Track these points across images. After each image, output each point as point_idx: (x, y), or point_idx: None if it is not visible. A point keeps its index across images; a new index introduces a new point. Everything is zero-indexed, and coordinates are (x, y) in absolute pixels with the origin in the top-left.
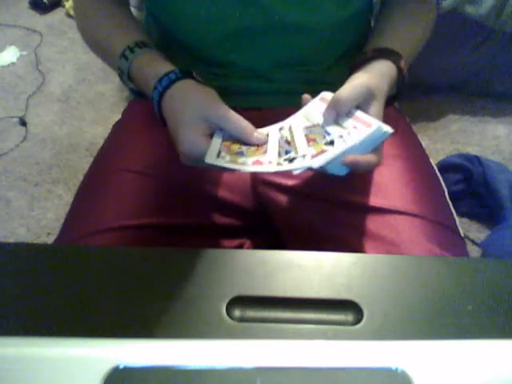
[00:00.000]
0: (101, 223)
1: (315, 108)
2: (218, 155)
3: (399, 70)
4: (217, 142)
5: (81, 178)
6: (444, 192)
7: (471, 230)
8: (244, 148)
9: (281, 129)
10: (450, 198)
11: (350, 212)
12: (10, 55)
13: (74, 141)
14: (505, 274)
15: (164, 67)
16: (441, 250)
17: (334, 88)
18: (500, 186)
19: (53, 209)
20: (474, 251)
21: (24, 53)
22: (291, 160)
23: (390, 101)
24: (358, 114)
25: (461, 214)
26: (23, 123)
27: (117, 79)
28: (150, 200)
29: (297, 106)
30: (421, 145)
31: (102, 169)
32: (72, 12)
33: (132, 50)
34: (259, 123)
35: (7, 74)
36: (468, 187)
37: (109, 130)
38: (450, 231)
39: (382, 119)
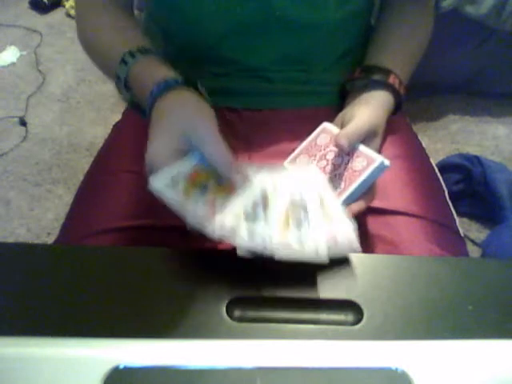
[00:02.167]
0: (101, 223)
1: (319, 141)
2: (172, 183)
3: (396, 93)
4: (183, 165)
5: (81, 177)
6: (444, 192)
7: (471, 229)
8: (211, 182)
9: (262, 186)
10: (450, 198)
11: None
12: (10, 55)
13: (74, 141)
14: (505, 274)
15: (165, 72)
16: (441, 250)
17: (333, 88)
18: (500, 186)
19: (53, 209)
20: (474, 251)
21: (24, 53)
22: (250, 232)
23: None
24: (361, 148)
25: (461, 214)
26: (23, 123)
27: None
28: (150, 200)
29: (297, 106)
30: (421, 145)
31: (102, 169)
32: (72, 12)
33: (133, 55)
34: (259, 124)
35: (7, 74)
36: (468, 187)
37: (109, 130)
38: (450, 231)
39: (378, 151)
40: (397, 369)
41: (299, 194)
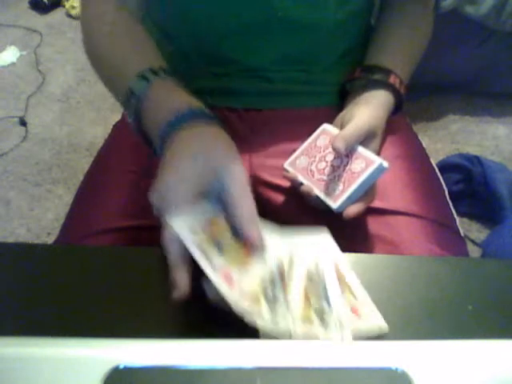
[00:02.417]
0: (101, 223)
1: (319, 142)
2: (191, 226)
3: (396, 93)
4: (201, 212)
5: (81, 177)
6: (444, 192)
7: (471, 230)
8: (226, 236)
9: (279, 259)
10: (450, 198)
11: None
12: (10, 55)
13: (74, 141)
14: (505, 274)
15: (189, 98)
16: (441, 250)
17: (333, 88)
18: (500, 186)
19: (53, 209)
20: (474, 251)
21: (24, 53)
22: (273, 317)
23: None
24: (360, 150)
25: (461, 214)
26: (23, 123)
27: None
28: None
29: (297, 106)
30: (421, 145)
31: (102, 169)
32: (72, 12)
33: (155, 73)
34: (259, 124)
35: (7, 74)
36: (468, 187)
37: (109, 130)
38: (450, 231)
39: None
40: (397, 369)
41: (315, 265)
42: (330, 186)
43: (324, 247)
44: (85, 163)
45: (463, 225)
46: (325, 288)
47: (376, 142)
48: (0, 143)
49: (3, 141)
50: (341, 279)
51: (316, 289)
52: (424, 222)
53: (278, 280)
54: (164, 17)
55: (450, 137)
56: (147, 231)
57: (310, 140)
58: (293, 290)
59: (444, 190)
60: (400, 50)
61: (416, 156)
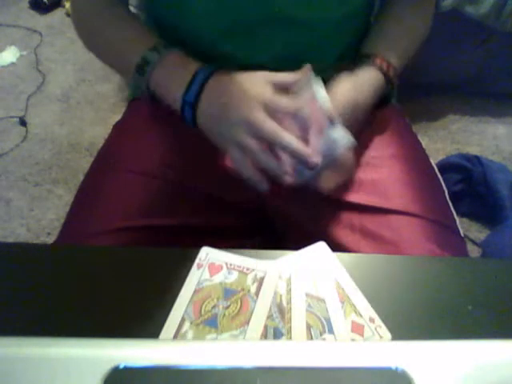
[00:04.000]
0: (101, 223)
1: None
2: (179, 329)
3: (386, 76)
4: (182, 302)
5: (81, 178)
6: (444, 192)
7: (471, 230)
8: (219, 309)
9: (276, 293)
10: (450, 198)
11: (351, 212)
12: (10, 55)
13: (74, 141)
14: (505, 274)
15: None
16: (441, 250)
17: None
18: (500, 186)
19: (53, 209)
20: (474, 251)
21: (24, 53)
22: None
23: (386, 101)
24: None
25: (461, 214)
26: (23, 123)
27: (117, 79)
28: (150, 201)
29: None
30: (421, 145)
31: (102, 169)
32: None
33: (165, 46)
34: None
35: (7, 74)
36: (468, 187)
37: (109, 130)
38: (450, 231)
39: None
40: (397, 368)
41: (315, 288)
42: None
43: (323, 265)
44: (85, 163)
45: (463, 225)
46: (327, 318)
47: (354, 116)
48: (0, 143)
49: (3, 141)
50: (343, 296)
51: (317, 316)
52: (424, 222)
53: (280, 319)
54: (163, 14)
55: (450, 137)
56: (147, 231)
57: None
58: (293, 323)
59: (444, 190)
60: (394, 42)
61: (416, 156)
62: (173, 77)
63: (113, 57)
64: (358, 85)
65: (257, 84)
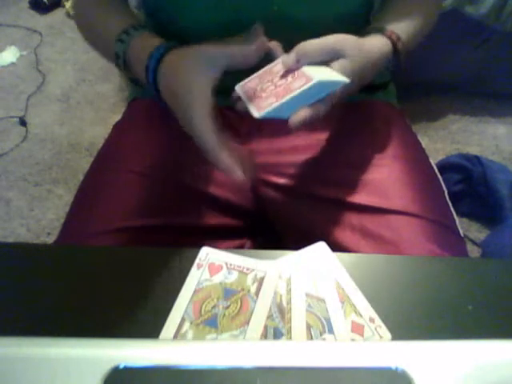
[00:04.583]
0: (101, 223)
1: (276, 68)
2: (179, 329)
3: (393, 45)
4: (180, 305)
5: (81, 178)
6: (444, 192)
7: (471, 230)
8: (219, 309)
9: (276, 293)
10: (450, 198)
11: (351, 212)
12: (10, 55)
13: (74, 141)
14: (505, 274)
15: (160, 40)
16: (441, 250)
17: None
18: (500, 186)
19: (53, 209)
20: (474, 251)
21: (24, 53)
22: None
23: (385, 84)
24: (306, 68)
25: (461, 214)
26: (23, 123)
27: (117, 79)
28: (150, 201)
29: None
30: (421, 145)
31: (102, 169)
32: (72, 12)
33: (128, 33)
34: (260, 123)
35: (7, 74)
36: (468, 187)
37: (109, 130)
38: (450, 231)
39: (352, 76)
40: (397, 368)
41: (315, 288)
42: (262, 99)
43: (323, 265)
44: (85, 163)
45: (463, 225)
46: (328, 318)
47: (342, 63)
48: (0, 143)
49: (3, 141)
50: (343, 296)
51: (317, 316)
52: (424, 222)
53: (280, 320)
54: (162, 10)
55: (450, 137)
56: (147, 231)
57: (267, 66)
58: (293, 323)
59: (444, 190)
60: (401, 19)
61: (416, 156)
62: (140, 54)
63: (100, 41)
64: (366, 41)
65: (201, 79)
